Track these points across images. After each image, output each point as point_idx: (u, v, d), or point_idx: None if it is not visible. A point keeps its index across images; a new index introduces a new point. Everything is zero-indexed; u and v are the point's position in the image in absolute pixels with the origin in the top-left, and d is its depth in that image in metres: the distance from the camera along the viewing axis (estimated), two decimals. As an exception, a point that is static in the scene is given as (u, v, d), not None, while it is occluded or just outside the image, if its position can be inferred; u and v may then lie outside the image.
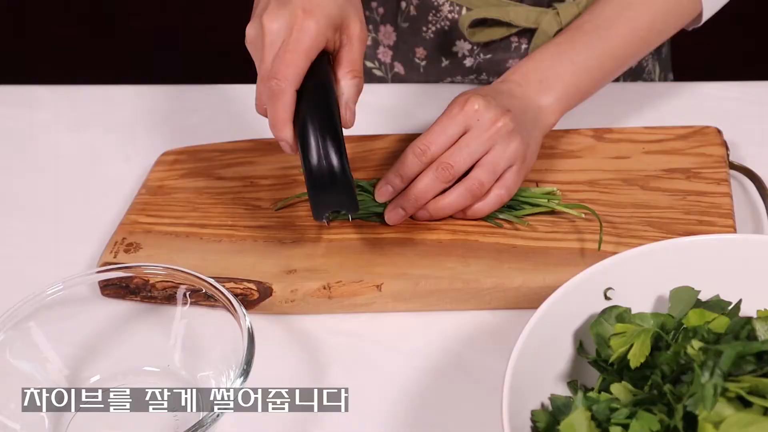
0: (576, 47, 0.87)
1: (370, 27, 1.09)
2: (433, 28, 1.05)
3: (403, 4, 1.05)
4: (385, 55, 1.10)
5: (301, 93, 0.71)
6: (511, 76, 0.86)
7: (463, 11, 1.01)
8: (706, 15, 0.93)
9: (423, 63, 1.08)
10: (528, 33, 1.02)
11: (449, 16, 1.03)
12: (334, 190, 0.71)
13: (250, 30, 0.74)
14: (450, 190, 0.80)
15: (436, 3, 1.02)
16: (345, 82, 0.74)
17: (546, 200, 0.82)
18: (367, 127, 1.01)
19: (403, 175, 0.81)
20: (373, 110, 1.05)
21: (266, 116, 0.74)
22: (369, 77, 1.12)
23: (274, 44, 0.72)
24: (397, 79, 1.11)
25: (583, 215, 0.81)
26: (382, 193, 0.81)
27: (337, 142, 0.70)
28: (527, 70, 0.86)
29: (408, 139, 0.94)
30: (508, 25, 1.00)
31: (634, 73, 1.10)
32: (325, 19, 0.72)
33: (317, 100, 0.71)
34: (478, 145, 0.78)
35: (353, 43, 0.74)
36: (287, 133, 0.72)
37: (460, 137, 0.79)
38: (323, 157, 0.69)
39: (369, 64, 1.11)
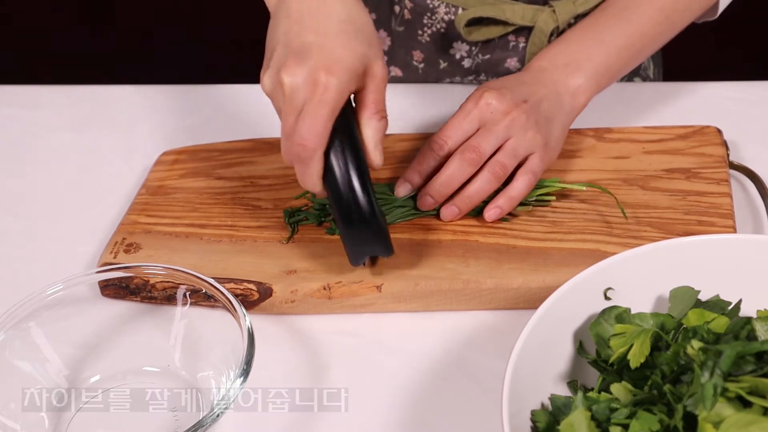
0: (603, 28, 0.88)
1: None
2: (429, 31, 1.05)
3: (397, 9, 1.05)
4: None
5: (328, 148, 0.71)
6: (537, 62, 0.87)
7: (459, 12, 1.01)
8: (723, 5, 0.93)
9: (421, 66, 1.08)
10: (525, 31, 1.02)
11: (445, 18, 1.03)
12: (369, 240, 0.72)
13: (267, 81, 0.72)
14: (475, 178, 0.80)
15: (431, 5, 1.02)
16: (372, 124, 0.73)
17: (557, 181, 0.83)
18: (367, 127, 1.01)
19: (422, 172, 0.81)
20: (373, 110, 1.05)
21: (289, 163, 0.73)
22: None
23: (296, 104, 0.70)
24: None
25: (585, 189, 0.83)
26: (401, 191, 0.83)
27: (368, 194, 0.70)
28: (554, 54, 0.87)
29: (408, 139, 0.94)
30: (505, 23, 1.00)
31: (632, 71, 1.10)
32: (347, 74, 0.69)
33: (345, 154, 0.71)
34: (497, 131, 0.79)
35: (377, 84, 0.73)
36: (317, 189, 0.72)
37: (475, 132, 0.80)
38: (356, 212, 0.70)
39: None
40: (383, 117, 0.73)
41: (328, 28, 0.71)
